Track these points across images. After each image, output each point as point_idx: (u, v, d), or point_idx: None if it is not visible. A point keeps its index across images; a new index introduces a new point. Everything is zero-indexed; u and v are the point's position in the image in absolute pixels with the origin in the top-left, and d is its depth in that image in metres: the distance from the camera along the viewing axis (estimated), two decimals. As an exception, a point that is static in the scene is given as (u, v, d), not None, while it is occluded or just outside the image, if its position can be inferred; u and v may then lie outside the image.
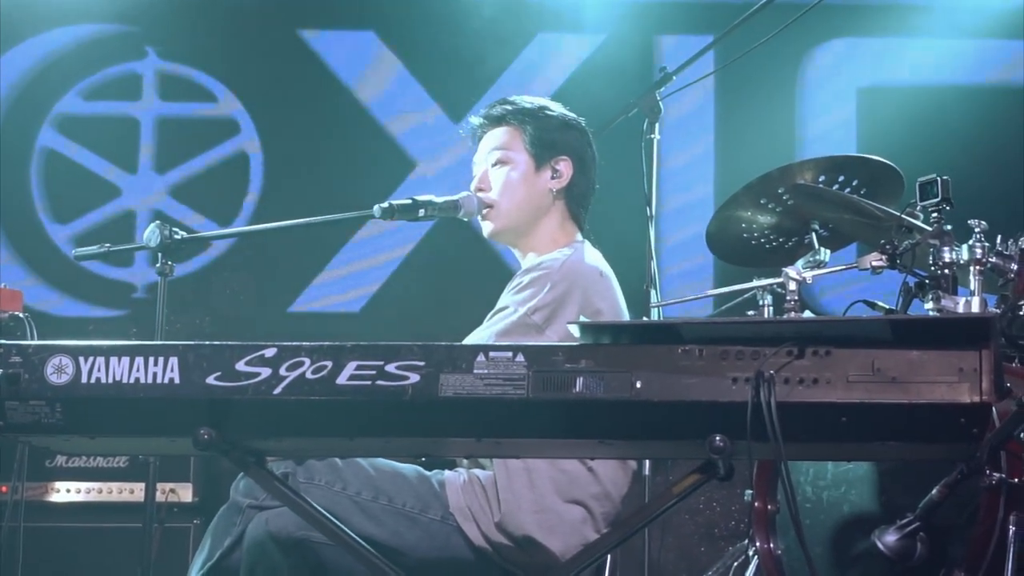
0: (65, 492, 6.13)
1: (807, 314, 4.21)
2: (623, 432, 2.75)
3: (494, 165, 4.13)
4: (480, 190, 4.14)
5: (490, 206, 4.11)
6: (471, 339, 3.83)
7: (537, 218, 4.11)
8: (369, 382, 2.72)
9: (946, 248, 3.95)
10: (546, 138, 4.11)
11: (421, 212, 4.18)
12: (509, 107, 4.16)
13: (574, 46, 7.32)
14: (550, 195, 4.11)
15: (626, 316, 4.05)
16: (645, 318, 4.68)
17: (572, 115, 4.20)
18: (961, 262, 3.93)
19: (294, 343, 2.76)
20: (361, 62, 7.41)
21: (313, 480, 3.70)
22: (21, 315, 4.96)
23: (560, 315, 3.77)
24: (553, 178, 4.11)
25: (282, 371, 2.74)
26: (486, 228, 4.15)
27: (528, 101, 4.18)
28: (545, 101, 4.20)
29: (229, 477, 3.81)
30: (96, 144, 7.35)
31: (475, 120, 4.20)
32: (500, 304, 3.90)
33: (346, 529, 3.13)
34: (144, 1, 7.32)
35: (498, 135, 4.15)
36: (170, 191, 7.35)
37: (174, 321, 6.67)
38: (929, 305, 3.90)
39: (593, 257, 4.02)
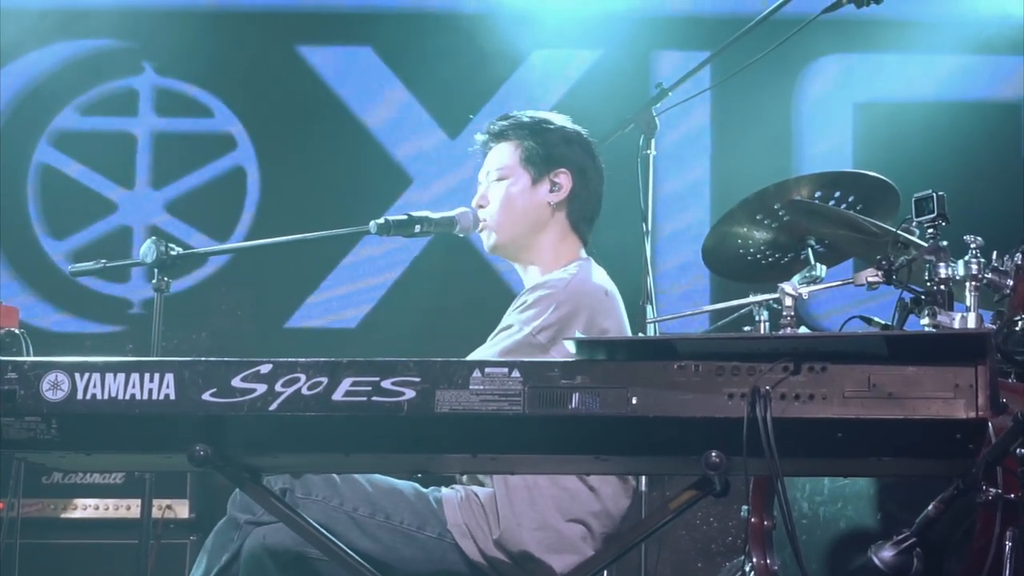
0: (61, 509, 6.12)
1: (803, 330, 4.20)
2: (619, 448, 2.76)
3: (494, 181, 4.14)
4: (480, 207, 4.15)
5: (485, 220, 4.13)
6: (474, 357, 3.83)
7: (536, 231, 4.11)
8: (365, 398, 2.73)
9: (942, 264, 3.95)
10: (543, 151, 4.12)
11: (417, 228, 4.19)
12: (508, 122, 4.18)
13: (570, 62, 7.33)
14: (549, 208, 4.11)
15: (629, 334, 4.06)
16: (641, 334, 4.68)
17: (575, 128, 4.20)
18: (957, 278, 3.93)
19: (290, 359, 2.76)
20: (358, 78, 7.42)
21: (311, 495, 3.70)
22: (17, 331, 4.94)
23: (565, 335, 3.76)
24: (552, 191, 4.11)
25: (278, 387, 2.74)
26: (486, 243, 4.16)
27: (528, 115, 4.19)
28: (547, 115, 4.21)
29: (225, 493, 3.81)
30: (93, 160, 7.35)
31: (479, 137, 4.22)
32: (504, 322, 3.91)
33: (342, 545, 3.12)
34: (141, 17, 7.33)
35: (498, 151, 4.17)
36: (166, 207, 7.35)
37: (170, 337, 6.66)
38: (925, 321, 3.90)
39: (599, 276, 4.03)
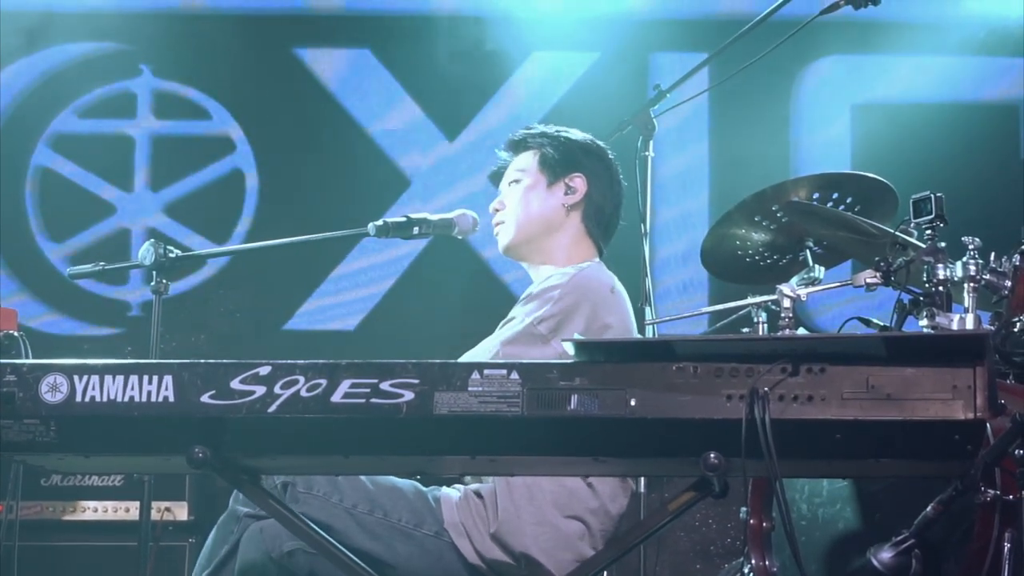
0: (60, 511, 6.11)
1: (801, 331, 4.21)
2: (618, 450, 2.76)
3: (510, 184, 4.18)
4: (497, 210, 4.19)
5: (502, 222, 4.16)
6: (478, 348, 3.89)
7: (548, 232, 4.14)
8: (363, 400, 2.73)
9: (940, 265, 3.95)
10: (560, 157, 4.16)
11: (416, 230, 4.21)
12: (527, 131, 4.25)
13: (569, 64, 7.33)
14: (563, 210, 4.14)
15: (635, 333, 4.07)
16: (640, 335, 4.68)
17: (596, 142, 4.24)
18: (955, 279, 3.93)
19: (289, 361, 2.76)
20: (356, 80, 7.41)
21: (311, 490, 3.72)
22: (16, 334, 4.95)
23: (566, 327, 3.80)
24: (567, 194, 4.15)
25: (277, 389, 2.75)
26: (500, 243, 4.21)
27: (548, 126, 4.25)
28: (566, 128, 4.25)
29: (225, 495, 3.82)
30: (91, 162, 7.35)
31: (501, 153, 4.25)
32: (510, 315, 3.95)
33: (338, 545, 3.13)
34: (139, 19, 7.32)
35: (518, 159, 4.22)
36: (165, 209, 7.35)
37: (169, 339, 6.66)
38: (923, 322, 3.90)
39: (607, 274, 4.05)
